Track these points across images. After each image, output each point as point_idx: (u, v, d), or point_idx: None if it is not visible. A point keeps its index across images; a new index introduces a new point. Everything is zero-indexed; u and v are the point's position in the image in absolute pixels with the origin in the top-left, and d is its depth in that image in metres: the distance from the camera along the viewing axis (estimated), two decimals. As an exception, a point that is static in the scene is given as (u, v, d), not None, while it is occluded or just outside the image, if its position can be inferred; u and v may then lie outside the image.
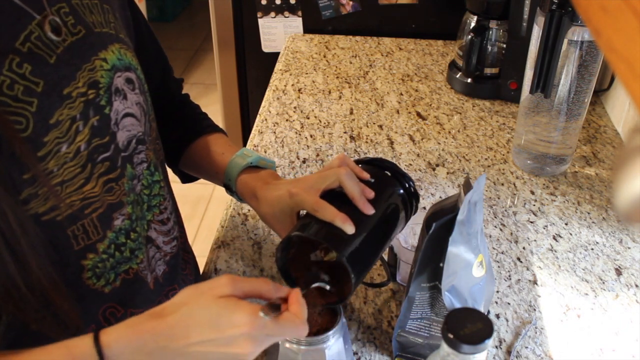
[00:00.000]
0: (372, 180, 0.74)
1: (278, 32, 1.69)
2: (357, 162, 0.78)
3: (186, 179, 0.97)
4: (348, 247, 0.67)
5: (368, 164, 0.79)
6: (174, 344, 0.54)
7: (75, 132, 0.61)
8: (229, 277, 0.57)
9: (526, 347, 0.81)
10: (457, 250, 0.68)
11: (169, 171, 0.84)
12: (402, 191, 0.76)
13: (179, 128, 0.93)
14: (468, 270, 0.70)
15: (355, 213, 0.70)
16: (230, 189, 0.85)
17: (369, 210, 0.71)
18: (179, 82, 0.96)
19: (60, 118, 0.60)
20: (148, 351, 0.54)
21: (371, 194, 0.72)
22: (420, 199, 1.07)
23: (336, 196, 0.71)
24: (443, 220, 0.69)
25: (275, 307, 0.57)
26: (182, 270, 0.84)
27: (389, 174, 0.77)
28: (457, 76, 1.37)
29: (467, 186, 0.66)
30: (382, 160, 0.79)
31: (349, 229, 0.68)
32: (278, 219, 0.75)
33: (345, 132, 1.25)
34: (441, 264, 0.68)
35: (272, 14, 1.67)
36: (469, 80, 1.36)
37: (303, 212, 0.73)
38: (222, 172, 0.85)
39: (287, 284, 0.71)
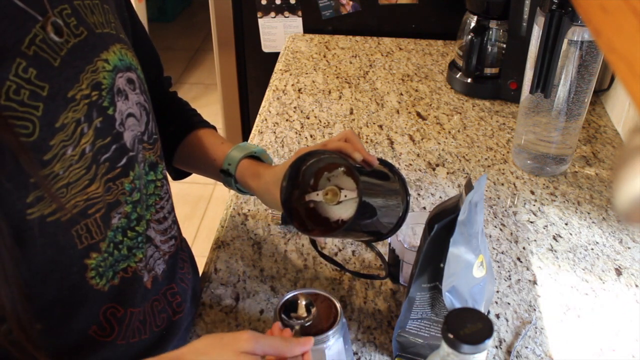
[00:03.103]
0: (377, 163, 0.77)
1: (278, 32, 1.69)
2: None
3: (177, 175, 0.97)
4: (356, 169, 0.71)
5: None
6: None
7: (80, 135, 0.62)
8: (252, 334, 0.59)
9: (526, 347, 0.81)
10: (457, 251, 0.68)
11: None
12: (397, 186, 0.77)
13: (171, 124, 0.93)
14: (468, 270, 0.70)
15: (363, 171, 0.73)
16: (227, 173, 0.86)
17: (374, 160, 0.73)
18: (168, 80, 0.98)
19: (65, 121, 0.60)
20: None
21: (374, 159, 0.74)
22: (420, 199, 1.07)
23: None
24: (445, 222, 0.68)
25: None
26: (180, 269, 0.84)
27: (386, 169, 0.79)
28: (457, 76, 1.37)
29: (469, 187, 0.66)
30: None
31: (358, 156, 0.71)
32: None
33: (345, 132, 1.25)
34: (442, 265, 0.68)
35: (272, 14, 1.67)
36: (469, 80, 1.36)
37: None
38: (221, 159, 0.86)
39: (288, 217, 0.74)
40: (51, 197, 0.59)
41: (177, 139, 0.92)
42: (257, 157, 0.87)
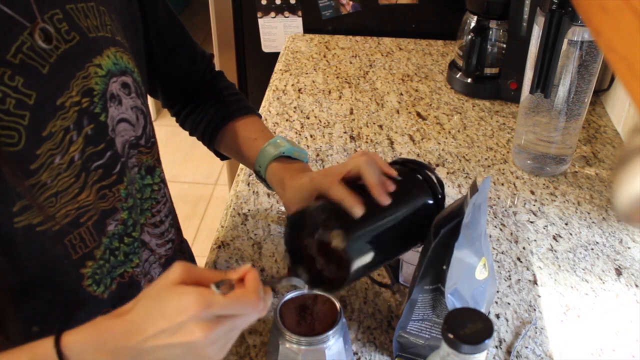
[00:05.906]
0: (399, 178, 0.70)
1: (278, 32, 1.69)
2: (392, 163, 0.75)
3: (224, 157, 0.95)
4: (351, 229, 0.64)
5: (401, 164, 0.75)
6: (132, 340, 0.51)
7: (68, 143, 0.60)
8: (181, 263, 0.54)
9: (526, 347, 0.81)
10: (461, 254, 0.67)
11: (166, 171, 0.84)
12: (430, 201, 0.72)
13: (209, 111, 0.91)
14: (471, 273, 0.69)
15: (372, 205, 0.66)
16: (259, 176, 0.84)
17: (385, 200, 0.66)
18: (207, 62, 0.94)
19: (53, 130, 0.58)
20: (109, 349, 0.52)
21: (391, 186, 0.68)
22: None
23: (358, 187, 0.68)
24: (450, 226, 0.68)
25: (228, 285, 0.53)
26: None
27: (420, 177, 0.73)
28: (457, 76, 1.37)
29: (474, 189, 0.66)
30: (416, 162, 0.75)
31: (357, 211, 0.64)
32: (299, 205, 0.73)
33: (345, 132, 1.25)
34: (444, 267, 0.68)
35: (272, 14, 1.67)
36: (469, 80, 1.36)
37: None
38: (254, 157, 0.84)
39: (293, 263, 0.69)
40: (37, 207, 0.58)
41: (214, 130, 0.90)
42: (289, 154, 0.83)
